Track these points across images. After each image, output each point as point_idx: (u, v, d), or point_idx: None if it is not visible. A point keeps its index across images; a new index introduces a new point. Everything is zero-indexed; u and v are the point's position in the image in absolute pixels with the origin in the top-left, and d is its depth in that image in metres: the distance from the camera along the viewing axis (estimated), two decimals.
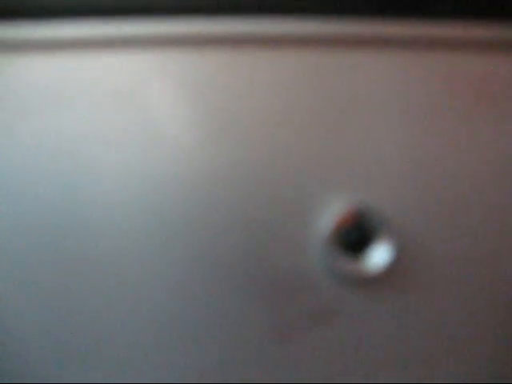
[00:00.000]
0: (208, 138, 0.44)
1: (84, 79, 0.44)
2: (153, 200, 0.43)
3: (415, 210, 0.44)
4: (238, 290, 0.43)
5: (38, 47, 0.44)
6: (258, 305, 0.43)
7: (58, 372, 0.43)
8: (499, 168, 0.45)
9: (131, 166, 0.44)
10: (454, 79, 0.45)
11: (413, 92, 0.45)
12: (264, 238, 0.43)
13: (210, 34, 0.45)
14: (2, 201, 0.43)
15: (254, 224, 0.43)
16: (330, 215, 0.44)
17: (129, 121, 0.44)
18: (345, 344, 0.44)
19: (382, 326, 0.44)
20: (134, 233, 0.43)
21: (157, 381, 0.44)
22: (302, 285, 0.44)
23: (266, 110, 0.44)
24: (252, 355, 0.44)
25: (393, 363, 0.45)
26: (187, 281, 0.43)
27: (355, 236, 0.44)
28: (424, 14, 0.46)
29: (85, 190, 0.43)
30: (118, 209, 0.43)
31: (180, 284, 0.43)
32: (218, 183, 0.44)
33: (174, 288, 0.43)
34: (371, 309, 0.44)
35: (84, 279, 0.43)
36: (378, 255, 0.44)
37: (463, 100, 0.45)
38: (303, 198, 0.44)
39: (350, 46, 0.45)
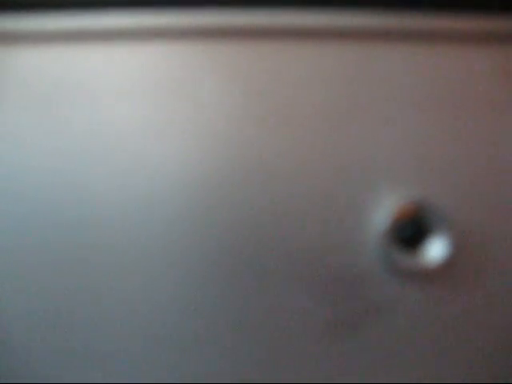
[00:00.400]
0: (262, 131, 0.44)
1: (135, 70, 0.44)
2: (203, 194, 0.44)
3: (472, 204, 0.44)
4: (296, 286, 0.44)
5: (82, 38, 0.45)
6: (316, 301, 0.44)
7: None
8: None
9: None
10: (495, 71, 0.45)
11: (461, 86, 0.45)
12: (322, 234, 0.44)
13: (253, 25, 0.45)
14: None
15: (312, 219, 0.44)
16: (387, 210, 0.44)
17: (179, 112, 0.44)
18: (402, 338, 0.44)
19: (439, 319, 0.44)
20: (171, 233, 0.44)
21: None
22: (359, 280, 0.44)
23: (316, 104, 0.45)
24: (310, 351, 0.44)
25: (449, 356, 0.44)
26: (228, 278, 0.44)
27: (412, 230, 0.44)
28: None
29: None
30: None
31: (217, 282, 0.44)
32: (273, 178, 0.44)
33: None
34: (428, 303, 0.44)
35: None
36: (435, 249, 0.44)
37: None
38: (360, 193, 0.44)
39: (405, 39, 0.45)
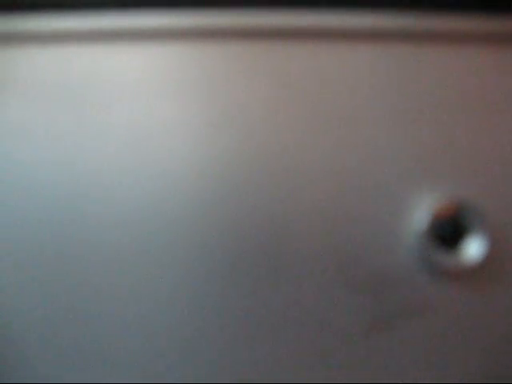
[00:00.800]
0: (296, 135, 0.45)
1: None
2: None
3: (510, 203, 0.44)
4: (335, 285, 0.44)
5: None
6: (354, 299, 0.44)
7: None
8: None
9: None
10: None
11: (495, 86, 0.46)
12: (361, 233, 0.44)
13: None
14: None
15: (351, 217, 0.44)
16: (426, 209, 0.44)
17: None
18: (440, 336, 0.44)
19: (476, 318, 0.44)
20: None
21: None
22: (397, 278, 0.44)
23: (353, 104, 0.45)
24: (348, 349, 0.44)
25: (487, 355, 0.45)
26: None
27: (451, 229, 0.44)
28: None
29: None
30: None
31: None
32: (311, 180, 0.44)
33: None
34: (466, 301, 0.44)
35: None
36: (474, 248, 0.44)
37: None
38: (400, 193, 0.44)
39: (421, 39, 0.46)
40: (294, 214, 0.44)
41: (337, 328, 0.44)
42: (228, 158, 0.44)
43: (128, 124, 0.45)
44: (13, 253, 0.44)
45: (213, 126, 0.45)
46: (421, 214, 0.44)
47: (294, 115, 0.45)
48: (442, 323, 0.44)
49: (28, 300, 0.43)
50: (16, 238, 0.44)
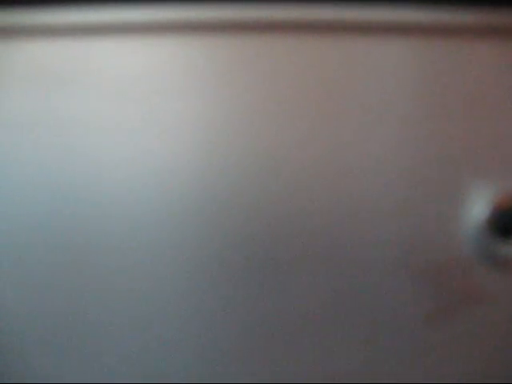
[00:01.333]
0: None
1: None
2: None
3: None
4: (397, 275, 0.44)
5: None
6: (415, 289, 0.44)
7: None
8: None
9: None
10: None
11: None
12: (423, 223, 0.44)
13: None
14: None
15: (413, 209, 0.44)
16: (486, 200, 0.44)
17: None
18: (500, 327, 0.45)
19: None
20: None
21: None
22: (458, 268, 0.44)
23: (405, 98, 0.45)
24: (408, 339, 0.45)
25: None
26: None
27: (510, 220, 0.44)
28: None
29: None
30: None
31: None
32: (368, 172, 0.44)
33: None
34: None
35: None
36: None
37: None
38: (461, 184, 0.44)
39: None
40: (352, 207, 0.44)
41: (396, 317, 0.44)
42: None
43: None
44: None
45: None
46: (481, 205, 0.44)
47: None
48: (501, 313, 0.45)
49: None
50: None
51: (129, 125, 0.44)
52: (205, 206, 0.44)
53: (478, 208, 0.44)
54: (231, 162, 0.44)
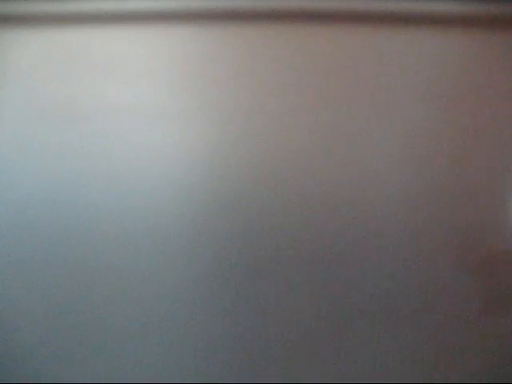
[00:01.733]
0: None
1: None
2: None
3: None
4: (452, 267, 0.44)
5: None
6: (469, 281, 0.44)
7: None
8: None
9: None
10: None
11: None
12: (477, 216, 0.44)
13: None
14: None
15: (467, 200, 0.44)
16: None
17: None
18: None
19: None
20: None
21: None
22: (509, 260, 0.44)
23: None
24: (458, 331, 0.44)
25: None
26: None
27: None
28: None
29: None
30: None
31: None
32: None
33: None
34: None
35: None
36: None
37: None
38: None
39: None
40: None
41: (448, 310, 0.44)
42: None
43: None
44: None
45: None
46: None
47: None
48: None
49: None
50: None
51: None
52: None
53: None
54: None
